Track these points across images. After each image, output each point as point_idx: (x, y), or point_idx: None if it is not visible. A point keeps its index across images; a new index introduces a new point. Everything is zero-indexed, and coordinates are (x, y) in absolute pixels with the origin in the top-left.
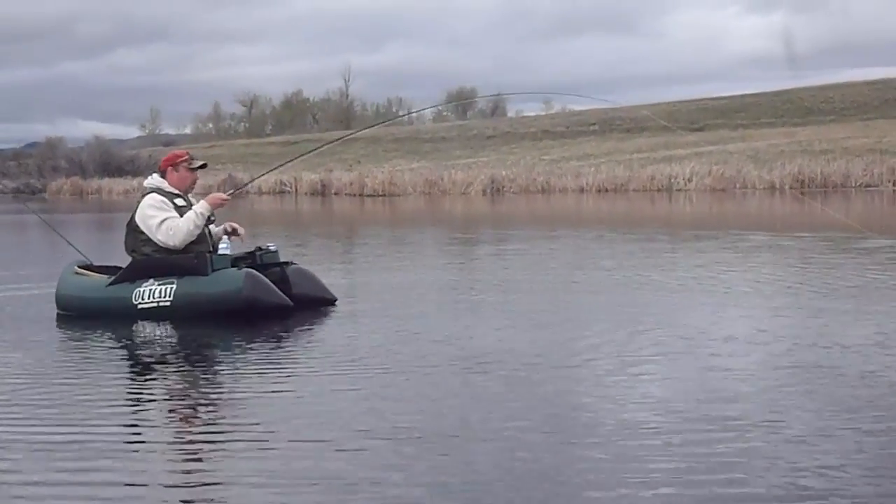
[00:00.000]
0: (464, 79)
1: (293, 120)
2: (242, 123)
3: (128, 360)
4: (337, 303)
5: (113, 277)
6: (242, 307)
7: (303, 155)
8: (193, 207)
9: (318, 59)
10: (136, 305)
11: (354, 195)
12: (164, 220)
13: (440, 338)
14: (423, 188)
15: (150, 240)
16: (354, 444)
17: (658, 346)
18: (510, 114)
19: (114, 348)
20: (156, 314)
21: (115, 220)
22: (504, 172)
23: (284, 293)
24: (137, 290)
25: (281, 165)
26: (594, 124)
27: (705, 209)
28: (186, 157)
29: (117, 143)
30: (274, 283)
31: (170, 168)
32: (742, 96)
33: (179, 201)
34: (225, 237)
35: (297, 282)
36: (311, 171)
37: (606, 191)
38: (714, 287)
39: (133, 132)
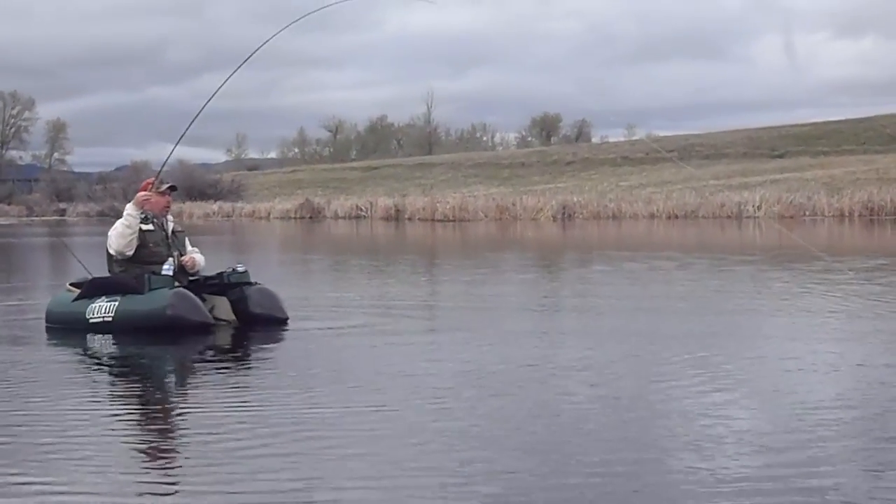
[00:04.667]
0: (548, 104)
1: (378, 145)
2: (328, 148)
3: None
4: (288, 321)
5: (78, 293)
6: (168, 324)
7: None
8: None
9: (402, 84)
10: (88, 320)
11: (426, 220)
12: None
13: (516, 357)
14: (494, 214)
15: (117, 259)
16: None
17: (737, 374)
18: (594, 139)
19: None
20: (101, 328)
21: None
22: (575, 198)
23: (243, 310)
24: (91, 305)
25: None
26: (673, 151)
27: (773, 235)
28: (154, 183)
29: (203, 168)
30: (234, 301)
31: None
32: (825, 123)
33: (147, 226)
34: (170, 259)
35: (256, 300)
36: (388, 196)
37: (676, 217)
38: (785, 311)
39: (220, 156)
